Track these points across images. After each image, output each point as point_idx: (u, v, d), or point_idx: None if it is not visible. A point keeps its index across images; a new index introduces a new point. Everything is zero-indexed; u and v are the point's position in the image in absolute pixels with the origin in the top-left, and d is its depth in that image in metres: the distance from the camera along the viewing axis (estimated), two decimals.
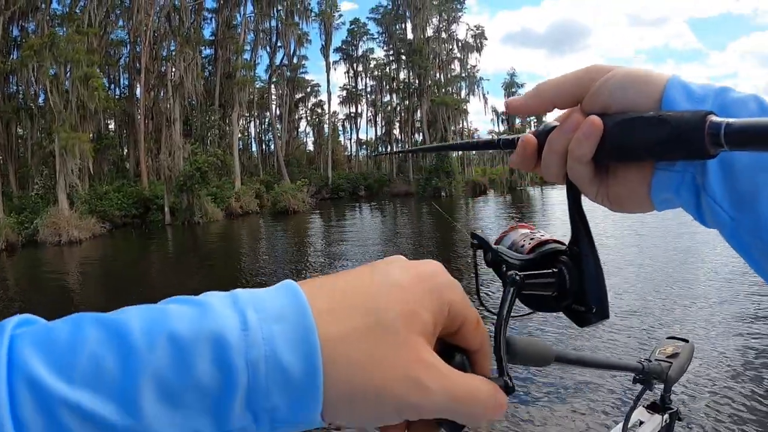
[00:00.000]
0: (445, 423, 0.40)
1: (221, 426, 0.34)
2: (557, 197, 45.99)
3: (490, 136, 0.60)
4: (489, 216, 28.37)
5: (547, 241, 0.56)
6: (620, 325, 7.87)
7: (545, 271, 0.53)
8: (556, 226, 22.68)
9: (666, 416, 1.64)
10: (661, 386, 1.59)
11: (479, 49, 60.40)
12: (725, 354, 6.51)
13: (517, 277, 0.49)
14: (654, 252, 14.80)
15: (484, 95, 61.44)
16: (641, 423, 1.67)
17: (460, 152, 56.86)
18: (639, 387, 1.48)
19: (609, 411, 5.00)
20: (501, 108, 61.51)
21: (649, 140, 0.47)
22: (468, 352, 0.42)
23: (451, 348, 0.42)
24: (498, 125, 61.64)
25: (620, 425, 1.53)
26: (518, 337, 0.47)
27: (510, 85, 61.26)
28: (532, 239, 0.57)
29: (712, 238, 10.79)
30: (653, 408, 1.67)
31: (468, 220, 26.80)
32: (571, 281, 0.52)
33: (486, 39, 61.36)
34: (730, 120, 0.42)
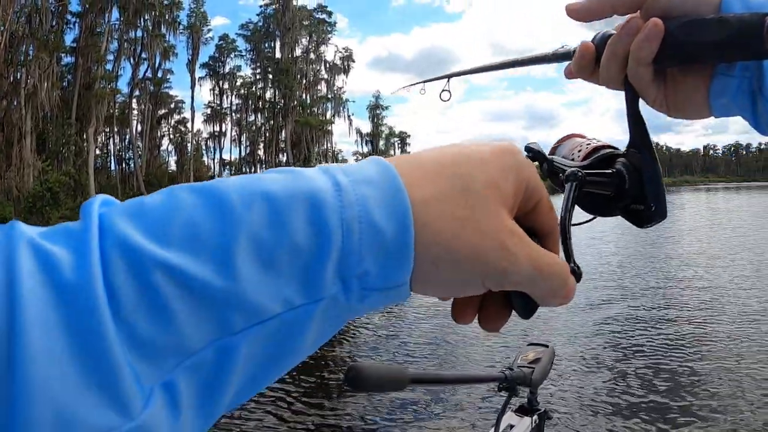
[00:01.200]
0: (518, 300, 0.41)
1: (311, 293, 0.33)
2: None
3: (545, 52, 0.67)
4: None
5: (602, 146, 0.57)
6: (482, 336, 8.00)
7: (604, 171, 0.55)
8: None
9: (535, 417, 1.76)
10: (527, 390, 1.73)
11: (346, 71, 61.78)
12: (586, 354, 6.97)
13: (579, 173, 0.52)
14: None
15: (349, 117, 62.72)
16: (511, 427, 1.76)
17: None
18: (506, 394, 1.58)
19: (479, 421, 5.08)
20: (365, 130, 63.65)
21: (709, 42, 0.47)
22: (539, 236, 0.42)
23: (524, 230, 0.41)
24: (362, 146, 63.40)
25: (492, 431, 1.60)
26: (368, 363, 0.45)
27: (375, 107, 63.63)
28: (588, 145, 0.58)
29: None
30: (522, 411, 1.78)
31: None
32: (630, 182, 0.54)
33: (353, 61, 63.01)
34: None
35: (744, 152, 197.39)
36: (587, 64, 0.57)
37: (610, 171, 0.55)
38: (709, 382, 5.84)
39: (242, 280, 0.31)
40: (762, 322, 7.99)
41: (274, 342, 0.34)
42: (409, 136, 75.41)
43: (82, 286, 0.28)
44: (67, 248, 0.30)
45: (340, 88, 61.77)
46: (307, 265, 0.33)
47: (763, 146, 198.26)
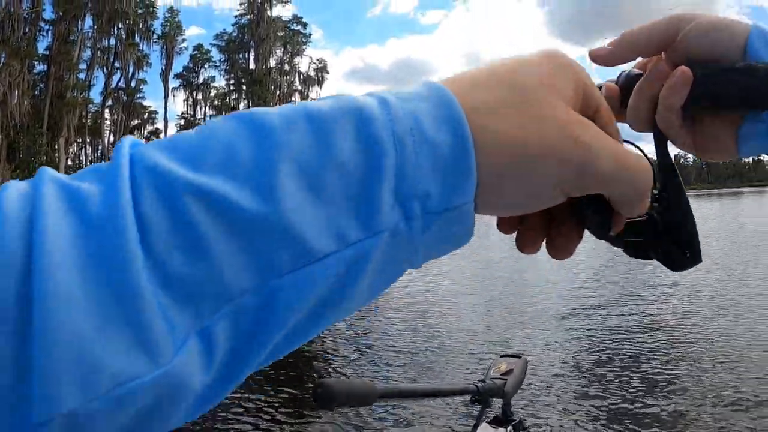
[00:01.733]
0: (592, 212, 0.40)
1: (368, 224, 0.30)
2: None
3: None
4: None
5: None
6: (456, 348, 8.07)
7: (636, 219, 0.52)
8: None
9: (510, 428, 1.74)
10: (501, 401, 1.72)
11: (320, 83, 62.33)
12: (560, 363, 7.01)
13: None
14: (489, 273, 15.33)
15: None
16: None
17: None
18: (479, 406, 1.60)
19: None
20: None
21: (737, 91, 0.48)
22: None
23: None
24: None
25: None
26: (335, 379, 0.44)
27: None
28: None
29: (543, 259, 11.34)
30: (496, 422, 1.76)
31: None
32: (663, 227, 0.53)
33: (328, 72, 63.57)
34: None
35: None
36: (613, 106, 0.52)
37: (644, 218, 0.53)
38: (684, 389, 5.95)
39: (284, 204, 0.28)
40: (737, 324, 8.25)
41: (326, 288, 0.30)
42: None
43: (109, 217, 0.26)
44: (96, 182, 0.28)
45: (314, 100, 61.55)
46: (360, 188, 0.30)
47: None
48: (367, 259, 0.30)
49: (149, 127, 58.42)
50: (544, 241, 0.41)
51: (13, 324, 0.24)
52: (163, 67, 52.51)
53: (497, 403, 1.78)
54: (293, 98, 59.85)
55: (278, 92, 57.94)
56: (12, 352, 0.24)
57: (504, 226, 0.40)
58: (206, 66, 59.29)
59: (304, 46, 60.59)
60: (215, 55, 59.15)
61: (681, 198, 0.54)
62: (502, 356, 1.77)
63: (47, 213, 0.26)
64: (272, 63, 57.99)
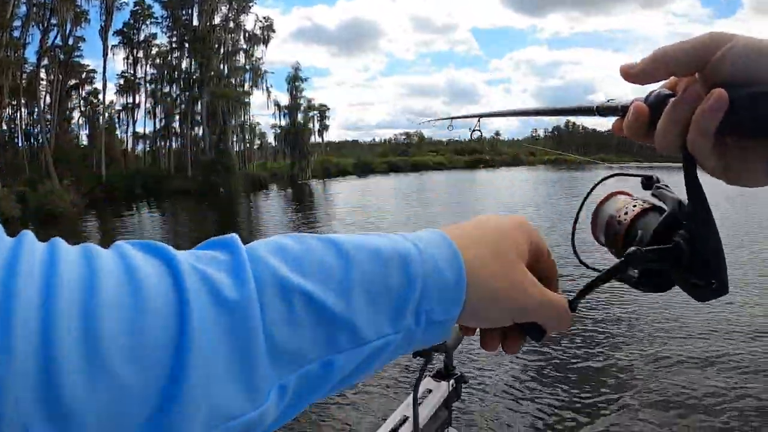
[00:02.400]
0: (531, 329, 0.55)
1: (395, 325, 0.47)
2: (340, 188, 47.60)
3: (592, 103, 0.64)
4: (272, 213, 29.42)
5: (651, 208, 0.58)
6: None
7: (663, 246, 0.54)
8: (341, 215, 25.59)
9: (452, 381, 1.88)
10: (443, 356, 1.88)
11: (266, 42, 61.00)
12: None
13: (639, 253, 0.53)
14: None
15: (267, 88, 62.02)
16: (429, 391, 1.90)
17: (242, 146, 58.55)
18: (422, 360, 1.72)
19: (398, 388, 5.65)
20: (283, 102, 63.14)
21: None
22: (545, 280, 0.57)
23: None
24: (279, 118, 62.84)
25: (410, 397, 1.72)
26: None
27: (294, 79, 62.67)
28: (635, 207, 0.59)
29: None
30: (438, 376, 1.91)
31: (250, 217, 27.99)
32: (689, 255, 0.53)
33: (274, 31, 62.21)
34: None
35: None
36: (641, 126, 0.55)
37: (669, 246, 0.54)
38: (622, 350, 6.67)
39: (355, 309, 0.44)
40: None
41: (363, 361, 0.46)
42: (328, 109, 76.14)
43: (242, 303, 0.39)
44: (225, 272, 0.40)
45: (259, 59, 60.83)
46: (398, 304, 0.47)
47: None
48: (389, 346, 0.47)
49: (87, 88, 56.12)
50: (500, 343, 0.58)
51: (161, 371, 0.35)
52: (102, 24, 50.67)
53: (439, 357, 1.92)
54: (237, 57, 59.07)
55: (222, 50, 57.05)
56: (154, 391, 0.34)
57: (467, 330, 0.57)
58: (148, 23, 56.94)
59: (250, 3, 59.13)
60: (157, 10, 56.99)
61: (709, 225, 0.52)
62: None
63: (193, 297, 0.37)
64: (217, 20, 56.63)
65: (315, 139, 68.40)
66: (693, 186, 0.53)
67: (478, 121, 1.16)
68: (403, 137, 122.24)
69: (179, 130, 57.15)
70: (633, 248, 0.54)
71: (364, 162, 77.79)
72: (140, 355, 0.34)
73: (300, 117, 63.20)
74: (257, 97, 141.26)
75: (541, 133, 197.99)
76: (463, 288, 0.50)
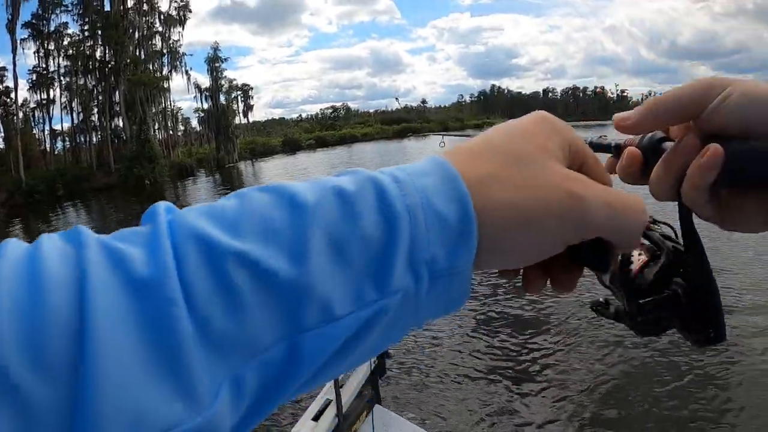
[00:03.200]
0: (591, 254, 0.44)
1: (383, 287, 0.35)
2: (270, 168, 48.08)
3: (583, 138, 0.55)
4: (201, 200, 27.04)
5: (655, 256, 0.56)
6: None
7: (659, 296, 0.53)
8: None
9: (373, 357, 1.75)
10: None
11: (183, 23, 60.07)
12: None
13: (640, 304, 0.52)
14: None
15: (186, 72, 61.16)
16: (348, 376, 1.81)
17: (164, 134, 57.96)
18: None
19: None
20: (204, 84, 62.65)
21: None
22: None
23: None
24: (201, 102, 62.29)
25: (331, 382, 1.60)
26: None
27: (213, 60, 62.04)
28: (640, 255, 0.57)
29: None
30: None
31: (180, 207, 27.42)
32: (686, 304, 0.52)
33: (190, 11, 61.32)
34: None
35: (581, 95, 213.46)
36: (635, 171, 0.54)
37: (665, 295, 0.53)
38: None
39: (315, 272, 0.33)
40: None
41: (349, 340, 0.35)
42: (252, 88, 75.84)
43: (155, 279, 0.30)
44: (138, 246, 0.32)
45: (177, 41, 59.82)
46: (379, 256, 0.35)
47: (598, 89, 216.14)
48: (380, 318, 0.35)
49: None
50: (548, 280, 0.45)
51: (66, 378, 0.27)
52: (9, 17, 48.67)
53: None
54: (153, 41, 57.70)
55: (137, 35, 56.06)
56: (63, 405, 0.27)
57: (507, 273, 0.44)
58: (57, 12, 54.63)
59: None
60: None
61: (706, 272, 0.52)
62: None
63: (94, 274, 0.30)
64: (130, 3, 55.34)
65: (240, 120, 68.33)
66: (689, 234, 0.53)
67: (442, 137, 1.05)
68: (330, 111, 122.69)
69: (99, 123, 55.77)
70: (639, 301, 0.53)
71: (292, 139, 77.86)
72: (40, 359, 0.28)
73: (222, 99, 62.90)
74: (178, 82, 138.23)
75: (467, 98, 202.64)
76: (470, 217, 0.38)
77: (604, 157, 0.57)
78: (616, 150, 0.57)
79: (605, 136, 0.61)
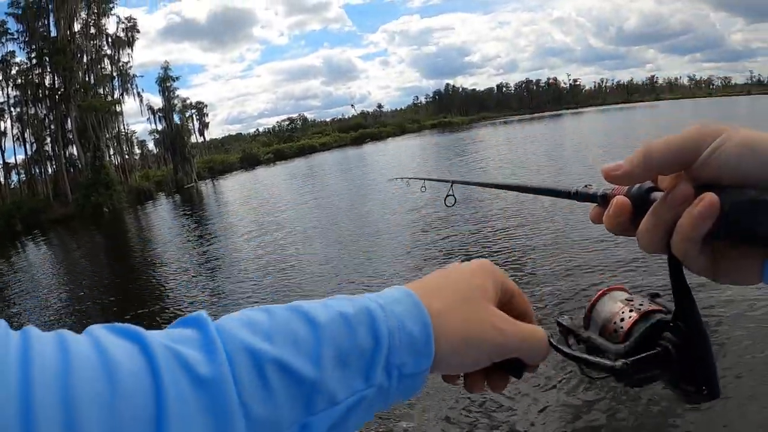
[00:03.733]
0: (511, 367, 0.59)
1: (367, 381, 0.51)
2: (229, 185, 47.77)
3: (569, 186, 0.65)
4: (162, 223, 28.67)
5: (647, 313, 0.56)
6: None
7: (649, 353, 0.53)
8: (235, 212, 26.42)
9: None
10: None
11: (131, 44, 59.36)
12: None
13: (625, 369, 0.53)
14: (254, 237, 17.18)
15: (138, 93, 60.71)
16: None
17: (120, 160, 57.31)
18: None
19: None
20: (157, 105, 62.39)
21: None
22: (520, 317, 0.61)
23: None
24: (155, 123, 62.03)
25: None
26: None
27: (164, 80, 62.09)
28: (631, 313, 0.57)
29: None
30: None
31: (141, 232, 27.11)
32: (677, 360, 0.52)
33: (138, 31, 60.77)
34: None
35: (534, 87, 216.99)
36: (624, 221, 0.54)
37: (654, 352, 0.53)
38: None
39: (326, 372, 0.49)
40: None
41: (339, 419, 0.50)
42: (206, 106, 75.91)
43: (215, 378, 0.42)
44: (196, 350, 0.44)
45: (126, 63, 59.12)
46: (367, 360, 0.51)
47: (551, 80, 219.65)
48: (363, 401, 0.51)
49: None
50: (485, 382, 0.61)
51: None
52: None
53: None
54: (103, 65, 56.82)
55: (85, 59, 55.29)
56: None
57: (449, 377, 0.60)
58: (3, 40, 53.32)
59: (110, 5, 56.78)
60: (12, 25, 53.33)
61: (697, 326, 0.51)
62: None
63: (166, 374, 0.41)
64: (77, 27, 54.15)
65: (196, 138, 68.41)
66: (679, 288, 0.52)
67: (451, 185, 1.22)
68: (287, 123, 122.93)
69: (53, 153, 54.45)
70: (620, 363, 0.53)
71: (250, 154, 77.92)
72: None
73: (176, 118, 62.44)
74: (132, 105, 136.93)
75: (423, 99, 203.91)
76: (430, 338, 0.54)
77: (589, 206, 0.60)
78: (603, 199, 0.58)
79: (590, 185, 0.61)
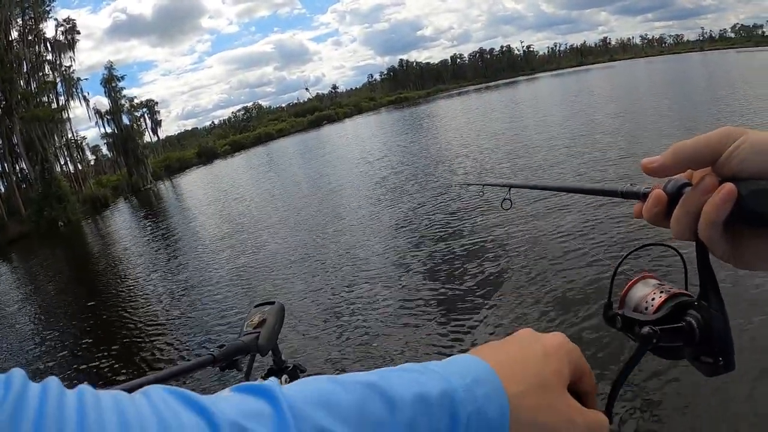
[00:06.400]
0: None
1: None
2: (188, 182, 47.34)
3: (616, 186, 0.71)
4: (122, 232, 27.38)
5: (675, 294, 0.65)
6: (207, 313, 9.04)
7: (675, 325, 0.62)
8: (198, 209, 26.01)
9: (285, 376, 1.81)
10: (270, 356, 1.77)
11: (72, 46, 57.32)
12: (316, 300, 8.18)
13: (653, 336, 0.61)
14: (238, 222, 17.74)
15: (85, 98, 58.95)
16: None
17: (72, 169, 55.94)
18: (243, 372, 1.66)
19: None
20: (103, 108, 60.70)
21: None
22: (582, 395, 0.63)
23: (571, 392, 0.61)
24: (104, 127, 60.43)
25: None
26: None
27: (109, 81, 60.40)
28: (661, 294, 0.65)
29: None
30: (271, 373, 1.81)
31: (103, 241, 25.95)
32: (699, 335, 0.60)
33: (79, 33, 58.68)
34: None
35: (488, 56, 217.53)
36: (660, 212, 0.62)
37: (680, 325, 0.62)
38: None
39: None
40: None
41: None
42: (157, 103, 74.59)
43: None
44: (268, 429, 0.44)
45: (69, 67, 57.01)
46: None
47: (504, 49, 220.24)
48: None
49: None
50: None
51: None
52: None
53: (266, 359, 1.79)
54: (44, 72, 54.87)
55: (25, 68, 53.43)
56: None
57: None
58: None
59: (47, 8, 54.80)
60: None
61: (720, 307, 0.60)
62: (255, 307, 1.73)
63: None
64: (14, 35, 52.16)
65: (150, 138, 67.03)
66: (705, 271, 0.61)
67: (509, 190, 1.27)
68: (242, 113, 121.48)
69: (2, 169, 52.07)
70: (647, 328, 0.62)
71: (207, 148, 77.32)
72: None
73: (126, 119, 61.14)
74: (79, 109, 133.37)
75: (377, 77, 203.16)
76: (506, 426, 0.54)
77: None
78: (644, 197, 0.64)
79: (635, 183, 0.68)
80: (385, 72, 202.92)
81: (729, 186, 0.54)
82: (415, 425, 0.50)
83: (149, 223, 26.26)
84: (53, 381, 0.40)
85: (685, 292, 0.66)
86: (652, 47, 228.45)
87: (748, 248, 0.57)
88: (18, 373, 0.40)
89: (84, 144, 61.13)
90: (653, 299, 0.66)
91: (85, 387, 0.42)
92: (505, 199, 1.29)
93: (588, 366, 0.64)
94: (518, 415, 0.55)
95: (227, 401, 0.46)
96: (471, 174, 16.27)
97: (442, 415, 0.51)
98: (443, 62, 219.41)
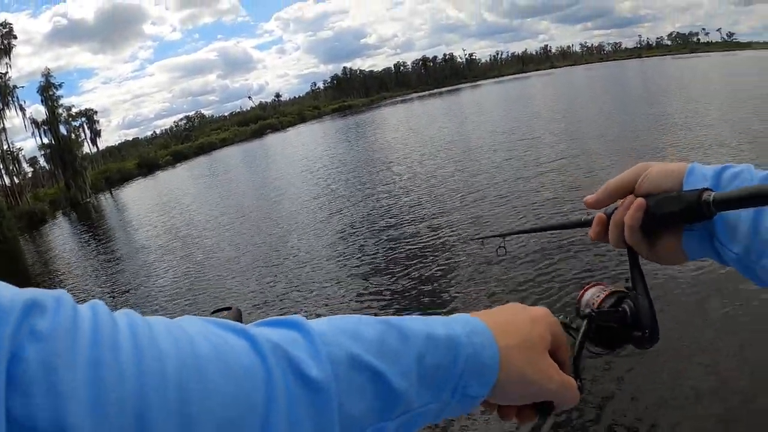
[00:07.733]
0: (542, 408, 0.69)
1: (437, 400, 0.59)
2: (129, 195, 46.53)
3: (578, 219, 0.96)
4: (60, 249, 25.89)
5: (614, 292, 0.81)
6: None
7: (610, 309, 0.79)
8: (140, 222, 25.90)
9: None
10: None
11: (8, 52, 53.84)
12: (278, 304, 8.53)
13: (592, 313, 0.77)
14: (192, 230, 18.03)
15: (21, 106, 55.60)
16: None
17: (8, 182, 54.13)
18: None
19: None
20: (41, 117, 58.19)
21: (672, 212, 0.72)
22: (559, 362, 0.70)
23: None
24: (40, 137, 58.27)
25: None
26: None
27: (46, 89, 58.18)
28: (604, 291, 0.82)
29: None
30: None
31: (44, 259, 24.46)
32: (631, 316, 0.77)
33: (16, 38, 55.45)
34: (716, 192, 0.67)
35: (431, 64, 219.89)
36: (601, 230, 0.84)
37: (615, 309, 0.79)
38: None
39: (411, 385, 0.56)
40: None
41: (404, 424, 0.57)
42: (96, 112, 73.17)
43: (323, 381, 0.49)
44: (303, 352, 0.50)
45: (5, 74, 53.81)
46: (442, 381, 0.59)
47: (447, 56, 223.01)
48: (428, 414, 0.59)
49: None
50: (515, 412, 0.70)
51: None
52: None
53: None
54: None
55: None
56: None
57: (488, 405, 0.68)
58: None
59: None
60: None
61: (645, 293, 0.79)
62: (212, 313, 1.72)
63: (277, 374, 0.48)
64: None
65: (89, 148, 65.41)
66: (635, 269, 0.81)
67: (503, 239, 1.36)
68: (184, 122, 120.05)
69: None
70: (589, 310, 0.78)
71: (147, 159, 76.00)
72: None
73: (63, 129, 59.55)
74: (17, 119, 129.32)
75: (321, 85, 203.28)
76: (495, 371, 0.62)
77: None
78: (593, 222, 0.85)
79: (590, 214, 0.88)
80: (329, 80, 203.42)
81: (639, 199, 0.75)
82: (424, 357, 0.58)
83: (91, 239, 25.42)
84: (100, 302, 0.45)
85: (622, 289, 0.81)
86: (592, 54, 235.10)
87: (662, 248, 0.78)
88: (66, 295, 0.44)
89: (20, 155, 58.21)
90: (598, 296, 0.81)
91: (128, 310, 0.47)
92: (499, 247, 1.38)
93: (565, 339, 0.73)
94: (506, 365, 0.63)
95: (262, 329, 0.52)
96: (418, 177, 17.11)
97: (446, 352, 0.59)
98: (387, 70, 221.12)
